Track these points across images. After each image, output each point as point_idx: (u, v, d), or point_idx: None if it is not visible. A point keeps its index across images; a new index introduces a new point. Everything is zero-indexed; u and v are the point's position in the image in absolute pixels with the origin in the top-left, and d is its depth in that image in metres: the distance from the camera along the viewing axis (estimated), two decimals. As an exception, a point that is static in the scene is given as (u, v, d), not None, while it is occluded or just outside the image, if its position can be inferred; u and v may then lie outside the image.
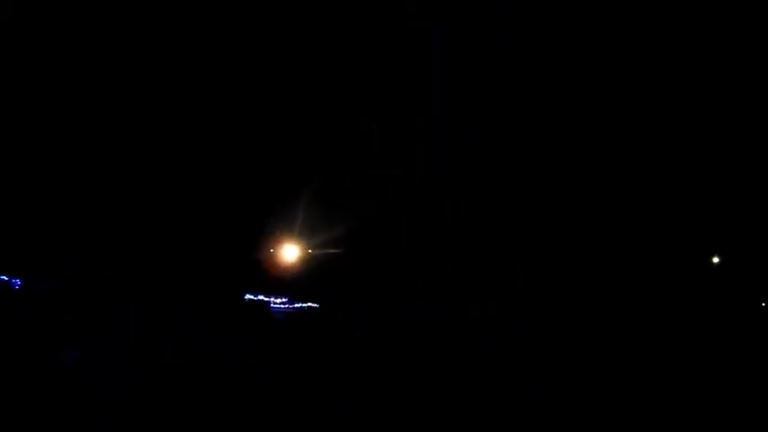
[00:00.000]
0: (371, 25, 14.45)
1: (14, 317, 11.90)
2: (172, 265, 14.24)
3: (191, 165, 14.76)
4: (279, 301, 15.22)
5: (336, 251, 15.44)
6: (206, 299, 14.39)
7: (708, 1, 14.21)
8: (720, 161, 15.59)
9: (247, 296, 15.07)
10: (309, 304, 15.33)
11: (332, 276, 15.50)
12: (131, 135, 14.24)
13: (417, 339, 14.39)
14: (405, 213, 15.43)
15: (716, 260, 17.61)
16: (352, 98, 14.86)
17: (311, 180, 15.14)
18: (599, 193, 15.67)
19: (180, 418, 9.82)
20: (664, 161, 15.58)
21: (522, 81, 14.93)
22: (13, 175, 13.87)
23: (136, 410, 9.76)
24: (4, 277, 13.20)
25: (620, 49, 14.68)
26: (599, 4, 14.38)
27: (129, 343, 12.14)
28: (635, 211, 15.96)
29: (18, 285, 13.26)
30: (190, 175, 14.80)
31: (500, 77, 14.93)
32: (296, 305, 15.29)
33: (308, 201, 15.07)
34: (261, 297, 15.42)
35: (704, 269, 17.37)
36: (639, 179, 15.69)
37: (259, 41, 14.51)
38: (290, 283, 15.33)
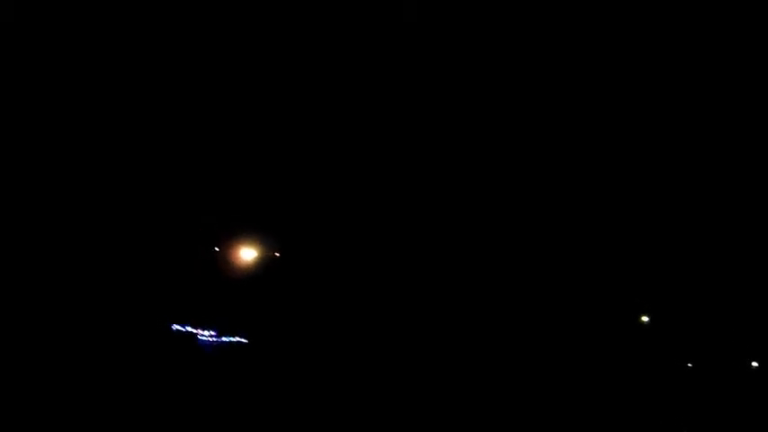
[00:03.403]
0: (371, 25, 14.46)
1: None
2: (172, 265, 14.24)
3: (189, 164, 14.77)
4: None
5: (334, 253, 15.46)
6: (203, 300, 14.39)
7: (708, 1, 14.22)
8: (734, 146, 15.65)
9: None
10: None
11: (331, 277, 15.51)
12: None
13: (416, 339, 14.41)
14: (404, 213, 15.45)
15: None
16: (351, 98, 14.87)
17: (310, 181, 15.15)
18: (599, 193, 15.69)
19: (180, 417, 9.83)
20: (664, 161, 15.61)
21: (522, 81, 14.93)
22: (12, 175, 13.86)
23: (136, 410, 9.77)
24: None
25: (621, 49, 14.70)
26: (599, 4, 14.39)
27: (129, 343, 12.15)
28: (635, 210, 15.98)
29: None
30: (189, 174, 14.81)
31: (500, 77, 14.94)
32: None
33: (309, 202, 15.09)
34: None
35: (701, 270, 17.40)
36: (640, 178, 15.72)
37: (257, 40, 14.52)
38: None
